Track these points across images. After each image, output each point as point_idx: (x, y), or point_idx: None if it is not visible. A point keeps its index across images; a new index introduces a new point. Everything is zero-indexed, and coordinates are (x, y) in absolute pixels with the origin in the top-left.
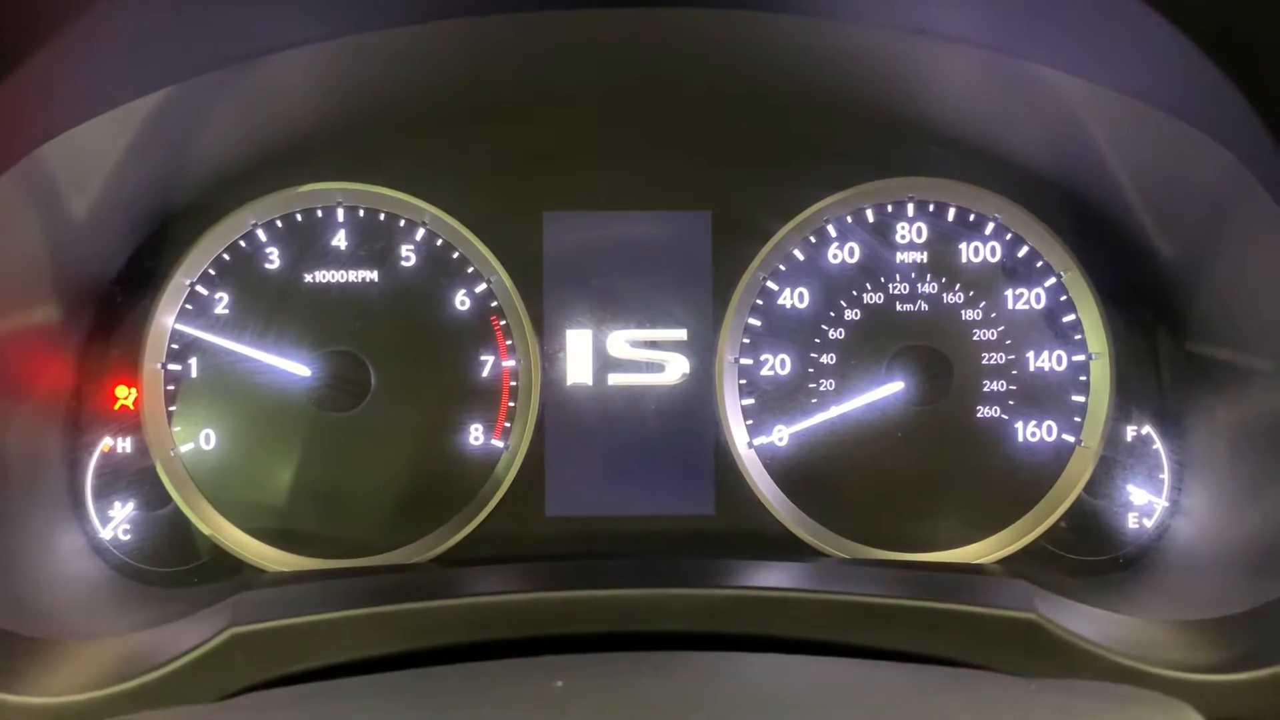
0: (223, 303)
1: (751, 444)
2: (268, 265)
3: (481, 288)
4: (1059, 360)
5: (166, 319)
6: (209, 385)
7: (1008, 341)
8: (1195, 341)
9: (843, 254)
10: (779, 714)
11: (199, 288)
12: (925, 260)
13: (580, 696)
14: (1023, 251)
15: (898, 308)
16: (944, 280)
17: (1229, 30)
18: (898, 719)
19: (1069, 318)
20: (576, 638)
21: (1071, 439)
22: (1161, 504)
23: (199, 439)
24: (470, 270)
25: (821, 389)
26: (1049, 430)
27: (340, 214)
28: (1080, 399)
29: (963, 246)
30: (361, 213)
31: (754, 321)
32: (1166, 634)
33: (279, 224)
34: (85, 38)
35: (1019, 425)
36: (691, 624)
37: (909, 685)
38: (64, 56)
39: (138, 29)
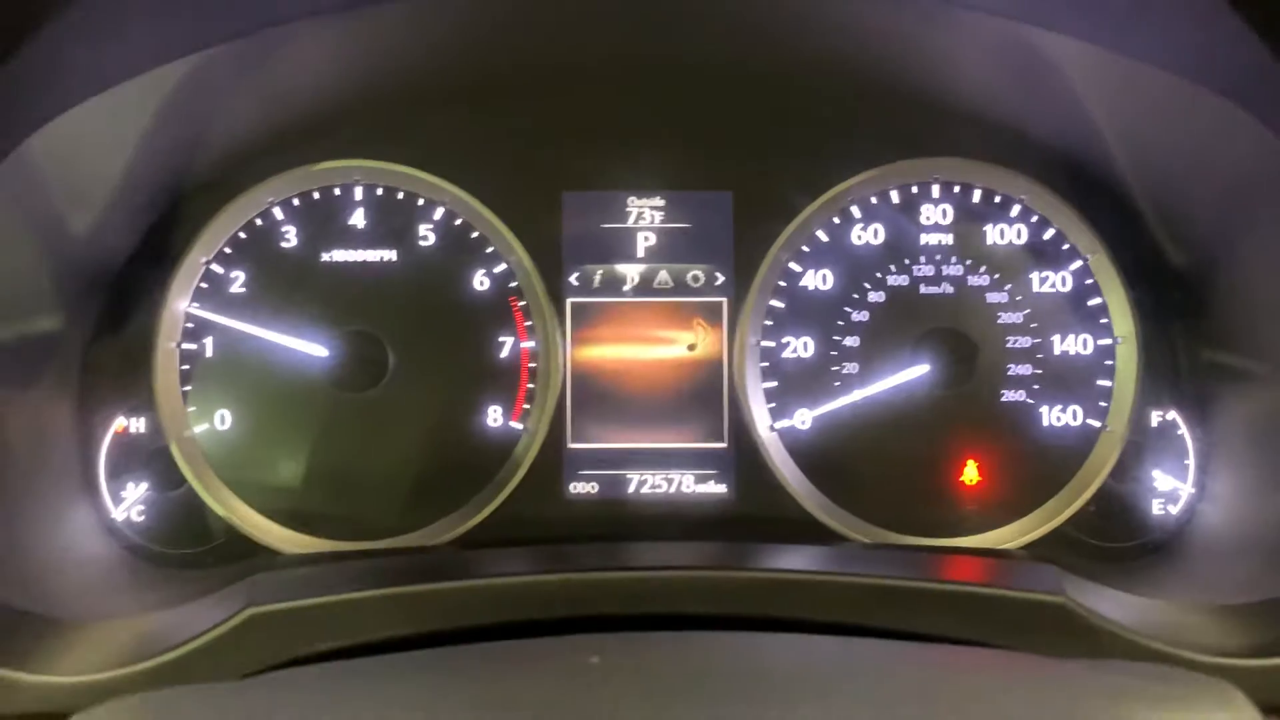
0: (238, 282)
1: (773, 427)
2: (284, 244)
3: (500, 268)
4: (1085, 344)
5: (181, 298)
6: (224, 365)
7: (1033, 324)
8: (1223, 325)
9: (867, 235)
10: (809, 690)
11: (214, 266)
12: (951, 242)
13: (612, 672)
14: (1049, 233)
15: (922, 290)
16: (969, 262)
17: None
18: (947, 695)
19: (1095, 301)
20: (597, 619)
21: (1097, 423)
22: (1188, 489)
23: (214, 419)
24: (489, 250)
25: (845, 372)
26: (1074, 414)
27: (358, 192)
28: (1106, 383)
29: (988, 228)
30: (380, 191)
31: (776, 303)
32: (1198, 618)
33: (296, 202)
34: (100, 8)
35: (1044, 409)
36: (714, 607)
37: (939, 662)
38: (78, 27)
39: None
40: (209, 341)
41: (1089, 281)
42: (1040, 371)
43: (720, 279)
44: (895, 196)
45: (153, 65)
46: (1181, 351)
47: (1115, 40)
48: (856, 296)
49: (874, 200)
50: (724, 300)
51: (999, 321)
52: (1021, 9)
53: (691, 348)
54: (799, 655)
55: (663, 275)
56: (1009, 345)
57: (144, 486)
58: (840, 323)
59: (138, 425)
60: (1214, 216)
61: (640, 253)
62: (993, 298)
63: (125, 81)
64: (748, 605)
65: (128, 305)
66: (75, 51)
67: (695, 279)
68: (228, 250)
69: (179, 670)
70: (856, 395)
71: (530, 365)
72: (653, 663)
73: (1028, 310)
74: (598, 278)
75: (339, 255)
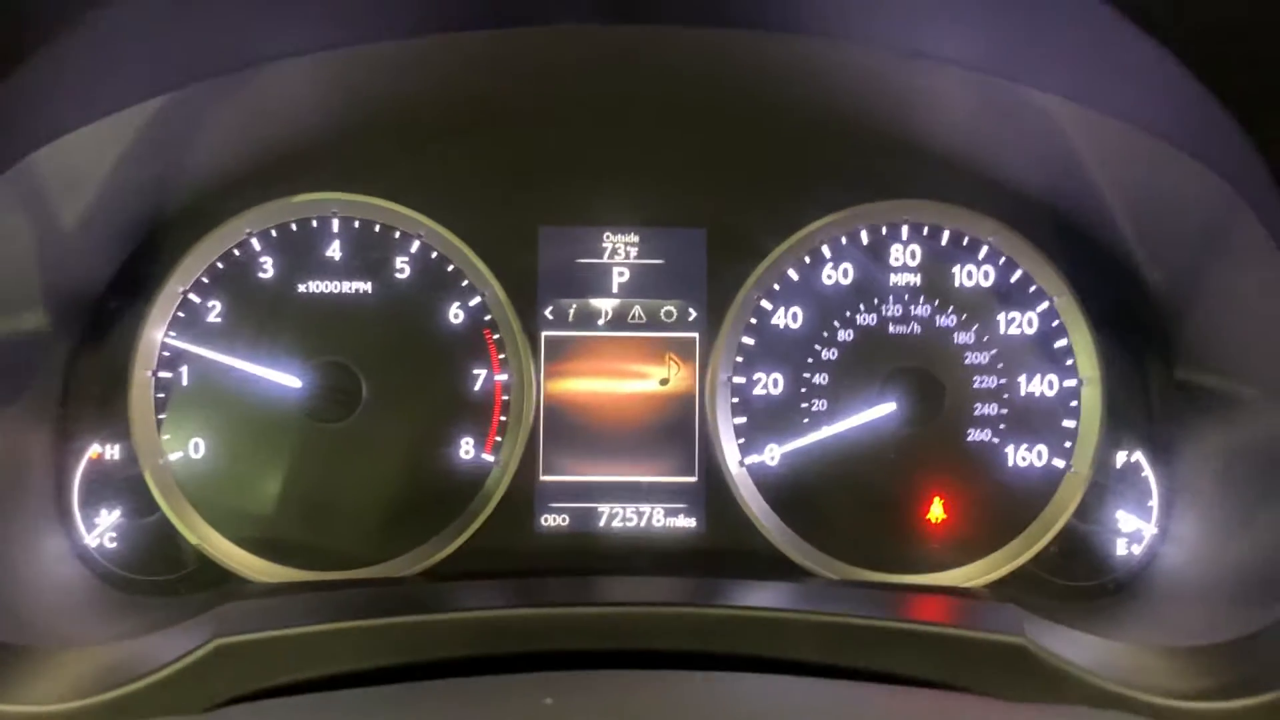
0: (215, 311)
1: (743, 462)
2: (261, 274)
3: (475, 301)
4: (1050, 385)
5: (158, 327)
6: (199, 394)
7: (999, 365)
8: (1185, 367)
9: (837, 275)
10: None
11: (191, 296)
12: (919, 283)
13: (568, 714)
14: (1016, 276)
15: (891, 329)
16: (937, 303)
17: (1225, 58)
18: None
19: (1061, 342)
20: (564, 655)
21: (1062, 464)
22: (1151, 530)
23: (188, 447)
24: (464, 283)
25: (814, 409)
26: (1039, 455)
27: (335, 224)
28: (1071, 424)
29: (956, 270)
30: (357, 224)
31: (747, 340)
32: (1156, 661)
33: (274, 233)
34: (84, 43)
35: (1010, 449)
36: (679, 643)
37: (899, 707)
38: (62, 61)
39: (136, 36)
40: (185, 370)
41: (1055, 323)
42: (1006, 411)
43: (693, 315)
44: (865, 237)
45: (135, 101)
46: (1146, 393)
47: (1082, 95)
48: (826, 335)
49: (844, 241)
50: (696, 336)
51: (966, 362)
52: (997, 66)
53: (663, 382)
54: (760, 695)
55: (636, 310)
56: (975, 385)
57: (117, 513)
58: (810, 360)
59: (112, 452)
60: (1178, 261)
61: (614, 288)
62: (960, 338)
63: (108, 115)
64: (712, 642)
65: (105, 332)
66: (58, 85)
67: (668, 314)
68: (205, 280)
69: (145, 701)
70: (825, 432)
71: (503, 398)
72: (611, 702)
73: (994, 351)
74: (572, 312)
75: (315, 286)
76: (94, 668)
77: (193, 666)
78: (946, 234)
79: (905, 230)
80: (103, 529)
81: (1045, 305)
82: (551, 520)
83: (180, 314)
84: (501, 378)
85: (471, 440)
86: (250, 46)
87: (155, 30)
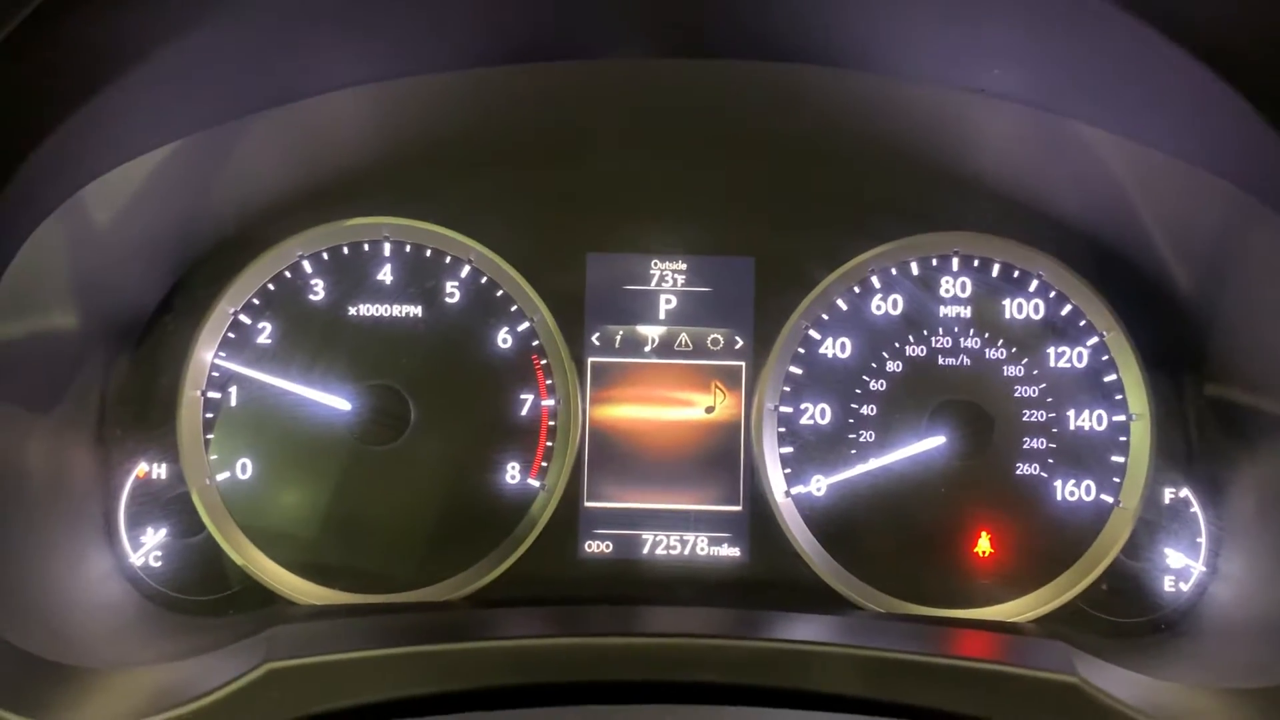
0: (265, 333)
1: (789, 492)
2: (312, 297)
3: (524, 326)
4: (1099, 420)
5: (208, 347)
6: (247, 414)
7: (1049, 399)
8: (1234, 405)
9: (886, 305)
10: None
11: (242, 317)
12: (969, 315)
13: None
14: (1066, 310)
15: (940, 361)
16: (987, 335)
17: None
18: None
19: (1110, 378)
20: (607, 685)
21: (1110, 499)
22: (1199, 568)
23: (235, 468)
24: (513, 308)
25: (861, 440)
26: (1088, 490)
27: (386, 248)
28: (1120, 459)
29: (1006, 303)
30: (408, 248)
31: (795, 369)
32: (1208, 701)
33: (325, 256)
34: (147, 79)
35: (1058, 484)
36: (723, 675)
37: None
38: (125, 96)
39: (201, 70)
40: (233, 391)
41: (1104, 358)
42: (1055, 446)
43: (740, 343)
44: (915, 269)
45: (195, 131)
46: (1195, 430)
47: (1143, 134)
48: (875, 366)
49: (894, 271)
50: (743, 364)
51: (1015, 395)
52: (1039, 97)
53: (709, 410)
54: None
55: (683, 338)
56: (1024, 419)
57: (162, 532)
58: (858, 391)
59: (159, 471)
60: (1230, 299)
61: (661, 315)
62: (1009, 371)
63: (167, 144)
64: (754, 675)
65: (155, 352)
66: (122, 118)
67: (715, 342)
68: (256, 301)
69: None
70: (872, 464)
71: (550, 423)
72: None
73: (1043, 385)
74: (619, 338)
75: (365, 310)
76: (144, 690)
77: (243, 690)
78: (997, 267)
79: (955, 262)
80: (148, 548)
81: (1095, 340)
82: (595, 547)
83: (230, 335)
84: (548, 403)
85: (517, 465)
86: (310, 79)
87: (219, 65)
